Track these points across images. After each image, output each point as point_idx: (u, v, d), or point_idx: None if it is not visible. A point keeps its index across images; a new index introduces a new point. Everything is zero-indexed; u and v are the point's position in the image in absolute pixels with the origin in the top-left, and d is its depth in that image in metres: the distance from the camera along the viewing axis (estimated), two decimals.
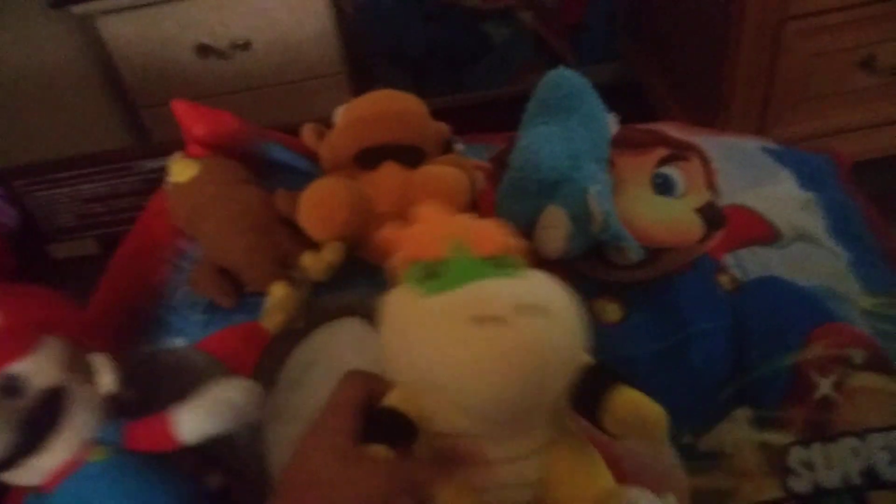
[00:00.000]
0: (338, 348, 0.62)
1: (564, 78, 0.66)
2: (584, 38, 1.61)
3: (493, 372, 0.38)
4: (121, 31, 1.32)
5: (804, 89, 1.17)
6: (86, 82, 1.42)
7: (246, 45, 1.34)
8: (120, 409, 0.52)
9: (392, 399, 0.43)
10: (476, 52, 1.60)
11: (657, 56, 1.48)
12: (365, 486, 0.40)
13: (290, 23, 1.34)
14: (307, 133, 0.75)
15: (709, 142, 0.73)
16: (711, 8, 1.18)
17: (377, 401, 0.44)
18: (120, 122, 1.48)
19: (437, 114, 0.75)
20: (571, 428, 0.45)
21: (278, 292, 0.62)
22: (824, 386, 0.57)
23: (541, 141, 0.62)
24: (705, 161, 0.71)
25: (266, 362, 0.61)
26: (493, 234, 0.46)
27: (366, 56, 1.57)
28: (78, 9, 1.26)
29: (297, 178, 0.72)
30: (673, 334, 0.61)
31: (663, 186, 0.67)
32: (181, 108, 0.75)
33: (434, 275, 0.43)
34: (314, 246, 0.65)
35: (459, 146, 0.78)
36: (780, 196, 0.72)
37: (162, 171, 0.72)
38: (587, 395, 0.41)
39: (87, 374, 0.51)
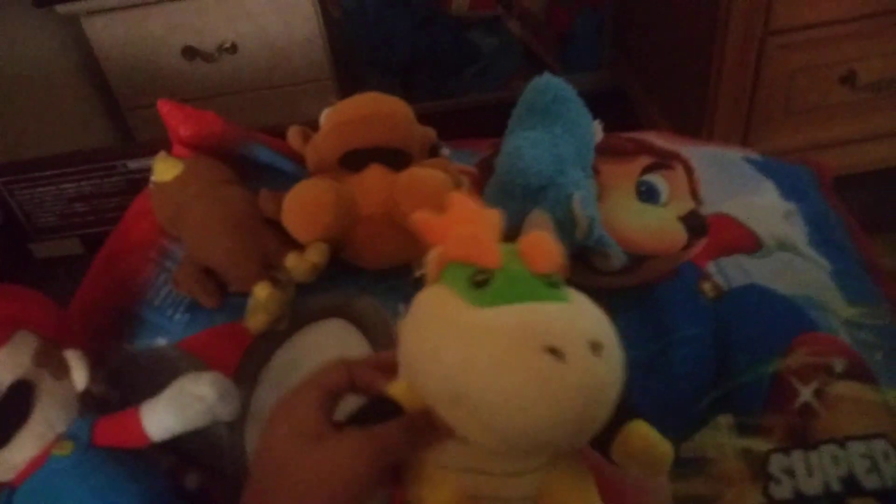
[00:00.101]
0: (321, 350, 0.62)
1: (550, 84, 0.66)
2: (571, 48, 1.62)
3: (548, 408, 0.35)
4: (106, 32, 1.31)
5: (786, 104, 1.18)
6: (70, 83, 1.41)
7: (233, 49, 1.34)
8: (100, 408, 0.52)
9: (395, 391, 0.41)
10: (463, 60, 1.60)
11: (643, 68, 1.50)
12: (332, 467, 0.37)
13: (277, 27, 1.33)
14: (293, 135, 0.75)
15: (692, 151, 0.74)
16: (696, 22, 1.19)
17: (364, 389, 0.42)
18: (105, 123, 1.47)
19: (423, 119, 0.75)
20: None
21: (262, 293, 0.62)
22: (805, 394, 0.57)
23: (526, 146, 0.63)
24: (689, 170, 0.71)
25: (248, 363, 0.61)
26: (549, 249, 0.42)
27: (353, 62, 1.57)
28: (63, 9, 1.25)
29: (282, 180, 0.72)
30: (656, 341, 0.61)
31: (647, 194, 0.68)
32: (166, 108, 0.75)
33: (481, 283, 0.39)
34: (298, 247, 0.64)
35: (445, 151, 0.78)
36: (762, 206, 0.73)
37: (146, 171, 0.72)
38: (606, 427, 0.40)
39: (61, 371, 0.50)
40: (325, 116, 0.74)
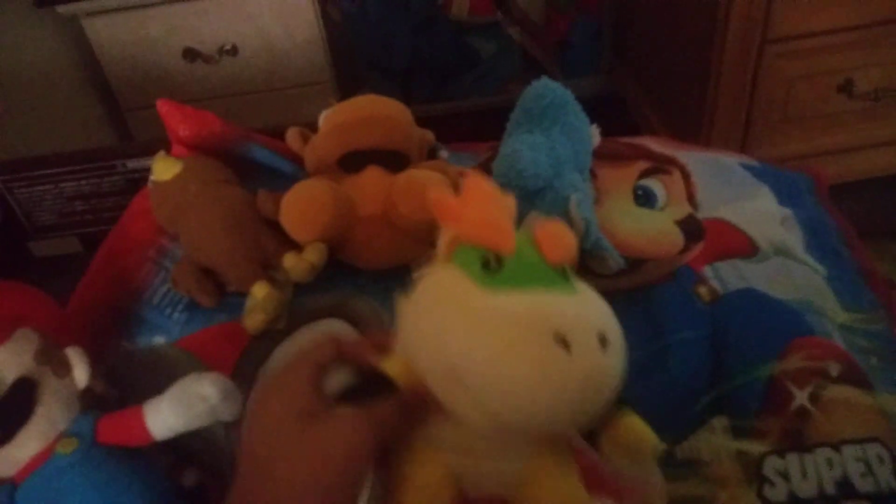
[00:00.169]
0: None
1: (548, 89, 0.67)
2: (569, 53, 1.63)
3: (549, 396, 0.35)
4: (107, 33, 1.31)
5: (784, 112, 1.19)
6: (71, 83, 1.41)
7: (233, 51, 1.34)
8: (98, 406, 0.52)
9: (388, 367, 0.40)
10: (463, 64, 1.61)
11: (642, 74, 1.50)
12: (330, 444, 0.37)
13: (278, 30, 1.34)
14: (292, 136, 0.75)
15: (689, 157, 0.75)
16: (694, 29, 1.20)
17: (356, 364, 0.41)
18: (104, 124, 1.47)
19: (422, 121, 0.75)
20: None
21: (259, 292, 0.62)
22: (800, 397, 0.57)
23: (524, 149, 0.63)
24: (686, 175, 0.72)
25: (246, 362, 0.61)
26: (564, 239, 0.41)
27: (353, 65, 1.57)
28: (63, 9, 1.26)
29: (281, 181, 0.72)
30: (652, 343, 0.61)
31: (644, 198, 0.68)
32: (166, 108, 0.75)
33: (493, 267, 0.39)
34: (296, 247, 0.65)
35: (444, 153, 0.78)
36: (759, 211, 0.73)
37: (145, 171, 0.72)
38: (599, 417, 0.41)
39: (62, 368, 0.51)
40: (324, 118, 0.74)
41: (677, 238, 0.64)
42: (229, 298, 0.66)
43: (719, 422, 0.57)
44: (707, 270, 0.67)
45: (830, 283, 0.68)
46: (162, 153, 0.72)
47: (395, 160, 0.69)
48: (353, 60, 1.57)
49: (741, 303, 0.64)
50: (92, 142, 1.43)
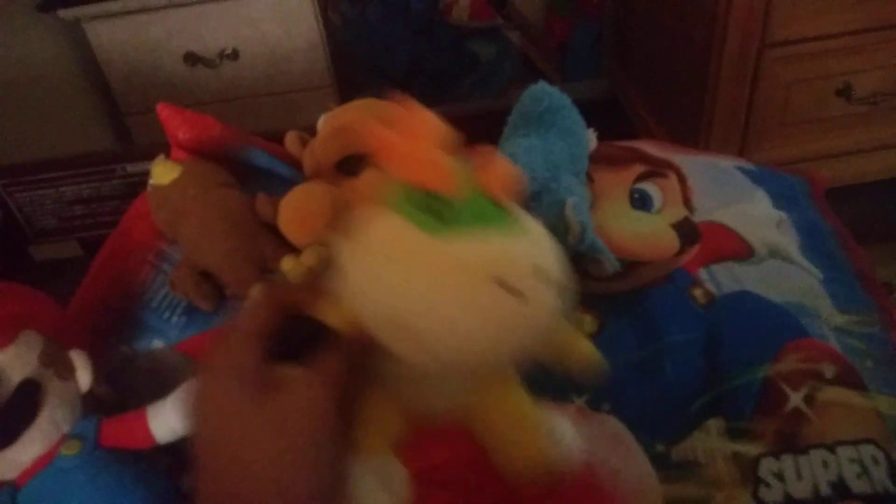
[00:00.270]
0: None
1: (545, 92, 0.67)
2: (568, 58, 1.63)
3: (498, 342, 0.36)
4: (108, 37, 1.32)
5: (783, 115, 1.19)
6: (72, 87, 1.42)
7: (234, 55, 1.35)
8: (98, 408, 0.53)
9: (328, 316, 0.39)
10: (462, 68, 1.62)
11: (640, 78, 1.51)
12: (289, 416, 0.35)
13: (278, 34, 1.34)
14: (291, 140, 0.75)
15: (685, 160, 0.75)
16: (693, 33, 1.20)
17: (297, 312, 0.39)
18: (105, 128, 1.48)
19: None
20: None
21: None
22: (795, 399, 0.57)
23: (521, 152, 0.64)
24: (682, 178, 0.72)
25: None
26: (507, 174, 0.40)
27: (353, 69, 1.58)
28: (65, 13, 1.27)
29: (280, 184, 0.72)
30: (647, 346, 0.61)
31: (640, 202, 0.68)
32: (165, 112, 0.75)
33: (436, 209, 0.37)
34: (294, 250, 0.65)
35: None
36: (754, 214, 0.74)
37: (145, 175, 0.72)
38: None
39: (65, 371, 0.51)
40: (323, 122, 0.75)
41: (673, 241, 0.64)
42: (227, 302, 0.66)
43: (714, 424, 0.57)
44: (702, 273, 0.67)
45: (826, 286, 0.68)
46: (161, 157, 0.72)
47: None
48: (354, 65, 1.58)
49: (736, 305, 0.64)
50: (92, 145, 1.44)
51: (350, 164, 0.69)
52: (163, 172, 0.70)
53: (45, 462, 0.49)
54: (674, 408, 0.59)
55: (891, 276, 1.10)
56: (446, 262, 0.36)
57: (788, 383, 0.58)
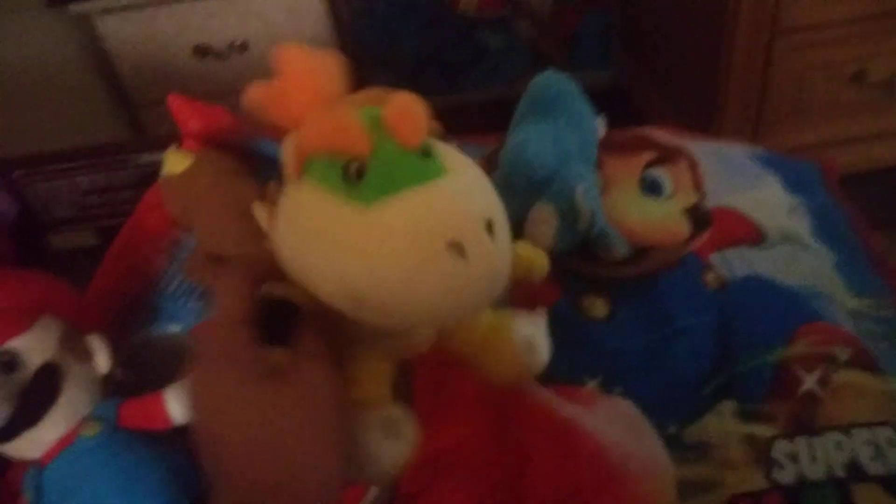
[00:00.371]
0: None
1: (553, 80, 0.67)
2: (578, 47, 1.63)
3: (457, 301, 0.36)
4: (118, 31, 1.33)
5: (796, 102, 1.19)
6: (84, 80, 1.43)
7: (243, 47, 1.35)
8: (116, 390, 0.54)
9: (293, 295, 0.38)
10: (471, 59, 1.61)
11: (651, 67, 1.50)
12: (308, 391, 0.35)
13: (287, 26, 1.35)
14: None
15: (696, 146, 0.74)
16: (704, 21, 1.20)
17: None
18: (118, 120, 1.49)
19: (430, 114, 0.75)
20: None
21: None
22: (809, 382, 0.57)
23: (531, 139, 0.63)
24: (693, 164, 0.72)
25: None
26: (416, 115, 0.37)
27: (362, 61, 1.58)
28: (76, 8, 1.27)
29: None
30: (658, 330, 0.61)
31: (651, 188, 0.68)
32: (177, 103, 0.75)
33: (355, 173, 0.36)
34: None
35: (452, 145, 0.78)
36: (766, 199, 0.74)
37: (157, 165, 0.73)
38: None
39: (83, 354, 0.52)
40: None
41: (683, 226, 0.64)
42: None
43: (727, 406, 0.57)
44: (714, 257, 0.67)
45: (839, 270, 0.68)
46: (173, 147, 0.72)
47: None
48: (362, 56, 1.58)
49: (748, 289, 0.64)
50: (105, 136, 1.45)
51: None
52: (175, 162, 0.70)
53: (67, 442, 0.50)
54: (685, 390, 0.59)
55: None
56: (393, 235, 0.35)
57: (802, 366, 0.58)
